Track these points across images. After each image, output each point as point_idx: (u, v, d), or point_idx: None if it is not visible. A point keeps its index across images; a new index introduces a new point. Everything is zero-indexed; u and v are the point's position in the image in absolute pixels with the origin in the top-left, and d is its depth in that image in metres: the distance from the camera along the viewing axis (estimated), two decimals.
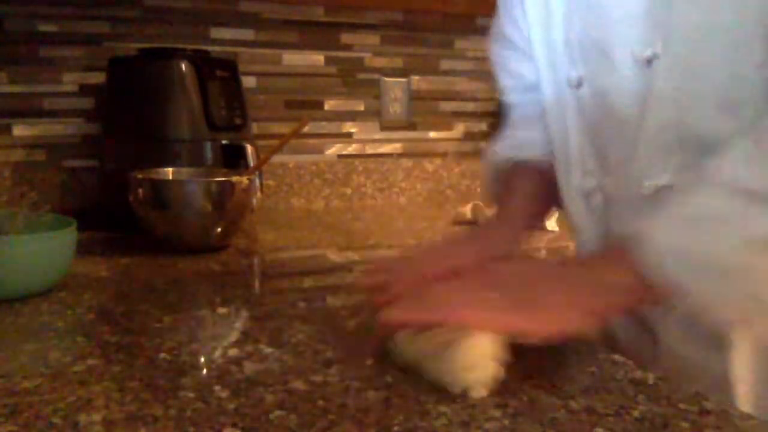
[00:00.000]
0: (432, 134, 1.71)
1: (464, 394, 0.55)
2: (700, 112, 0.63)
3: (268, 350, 0.65)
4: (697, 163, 0.63)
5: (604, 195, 0.74)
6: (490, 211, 0.99)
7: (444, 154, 1.72)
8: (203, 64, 1.25)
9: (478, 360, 0.56)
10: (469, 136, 1.74)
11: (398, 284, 0.70)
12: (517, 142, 0.88)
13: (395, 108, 1.66)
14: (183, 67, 1.23)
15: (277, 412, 0.52)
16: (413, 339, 0.60)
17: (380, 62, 1.63)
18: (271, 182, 1.53)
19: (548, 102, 0.79)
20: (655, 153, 0.67)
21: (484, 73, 1.72)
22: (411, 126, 1.69)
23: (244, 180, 1.07)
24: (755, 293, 0.53)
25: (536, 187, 0.83)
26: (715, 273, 0.54)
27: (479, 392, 0.55)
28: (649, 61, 0.65)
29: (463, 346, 0.56)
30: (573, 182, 0.77)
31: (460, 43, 1.69)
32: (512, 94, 0.91)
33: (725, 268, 0.53)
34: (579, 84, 0.72)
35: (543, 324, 0.58)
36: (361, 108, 1.63)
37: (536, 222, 0.88)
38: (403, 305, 0.63)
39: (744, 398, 0.65)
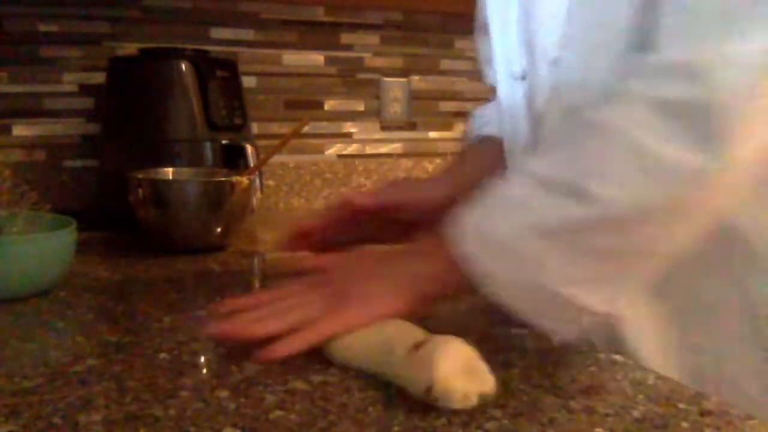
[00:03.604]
0: (432, 134, 1.71)
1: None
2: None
3: None
4: None
5: None
6: None
7: (444, 154, 1.72)
8: (203, 64, 1.25)
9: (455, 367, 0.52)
10: None
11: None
12: (486, 119, 0.91)
13: (395, 108, 1.65)
14: (183, 67, 1.23)
15: (277, 412, 0.52)
16: (348, 344, 0.60)
17: (380, 62, 1.63)
18: (271, 182, 1.53)
19: (502, 95, 0.82)
20: None
21: None
22: (411, 126, 1.69)
23: (244, 180, 1.07)
24: (542, 282, 0.56)
25: (490, 159, 0.83)
26: (510, 257, 0.57)
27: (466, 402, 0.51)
28: (555, 62, 0.69)
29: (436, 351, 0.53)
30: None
31: (460, 43, 1.69)
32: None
33: (517, 252, 0.57)
34: (523, 77, 0.75)
35: (361, 315, 0.60)
36: (361, 108, 1.63)
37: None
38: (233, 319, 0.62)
39: (653, 355, 0.67)
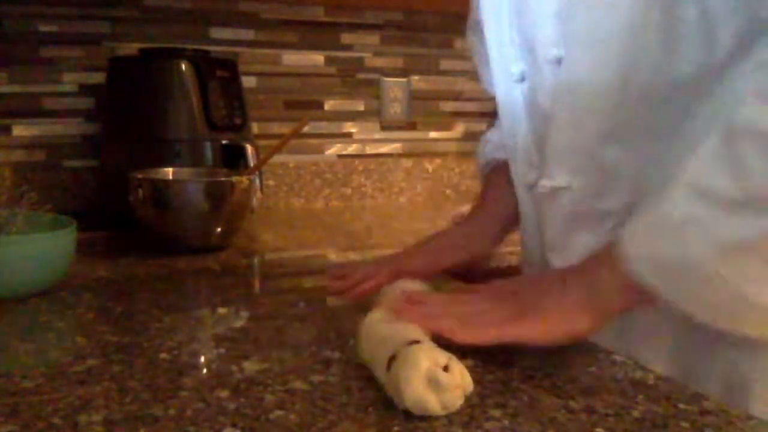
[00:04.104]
0: (432, 134, 1.71)
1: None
2: (594, 114, 0.67)
3: (268, 350, 0.65)
4: (591, 166, 0.68)
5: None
6: None
7: (444, 154, 1.72)
8: (203, 64, 1.25)
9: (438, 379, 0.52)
10: (469, 136, 1.74)
11: (372, 280, 0.75)
12: (494, 144, 0.91)
13: (395, 108, 1.66)
14: (183, 67, 1.23)
15: (277, 412, 0.52)
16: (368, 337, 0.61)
17: (380, 62, 1.63)
18: (271, 182, 1.53)
19: (500, 96, 0.82)
20: (559, 152, 0.71)
21: None
22: (411, 126, 1.69)
23: (244, 180, 1.07)
24: (741, 295, 0.54)
25: (510, 191, 0.84)
26: (694, 278, 0.54)
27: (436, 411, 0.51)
28: (558, 61, 0.69)
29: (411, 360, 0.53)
30: (519, 175, 0.79)
31: (460, 43, 1.69)
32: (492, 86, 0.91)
33: (702, 273, 0.54)
34: (522, 78, 0.75)
35: (547, 329, 0.60)
36: (361, 108, 1.63)
37: (514, 223, 0.87)
38: (411, 310, 0.64)
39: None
